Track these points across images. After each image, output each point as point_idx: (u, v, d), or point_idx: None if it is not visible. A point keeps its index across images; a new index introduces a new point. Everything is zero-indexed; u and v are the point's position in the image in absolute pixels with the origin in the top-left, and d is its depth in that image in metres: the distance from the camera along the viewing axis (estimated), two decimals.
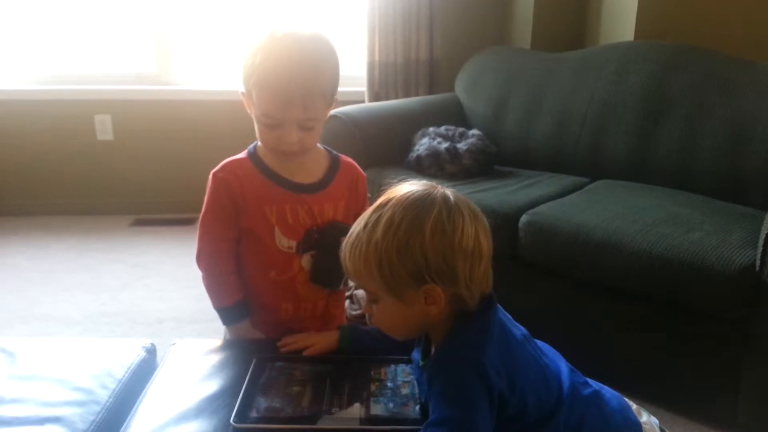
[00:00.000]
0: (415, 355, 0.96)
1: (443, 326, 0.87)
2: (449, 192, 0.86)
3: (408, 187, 0.86)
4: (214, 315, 1.23)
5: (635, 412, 0.95)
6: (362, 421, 0.91)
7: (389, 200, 0.85)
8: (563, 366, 0.92)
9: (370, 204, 0.89)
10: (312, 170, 1.19)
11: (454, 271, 0.82)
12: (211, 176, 1.17)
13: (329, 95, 1.12)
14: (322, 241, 1.16)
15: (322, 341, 1.09)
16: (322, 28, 1.12)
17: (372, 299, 0.89)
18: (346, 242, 0.87)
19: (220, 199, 1.15)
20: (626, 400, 0.96)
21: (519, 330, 0.91)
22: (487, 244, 0.85)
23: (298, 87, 1.05)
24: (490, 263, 0.87)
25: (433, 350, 0.92)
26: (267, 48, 1.07)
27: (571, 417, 0.86)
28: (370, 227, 0.84)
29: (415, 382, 0.99)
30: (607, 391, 0.95)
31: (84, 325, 2.16)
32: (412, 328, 0.90)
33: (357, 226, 0.86)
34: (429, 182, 0.88)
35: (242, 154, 1.19)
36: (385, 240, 0.82)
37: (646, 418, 0.94)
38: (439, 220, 0.81)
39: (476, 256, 0.83)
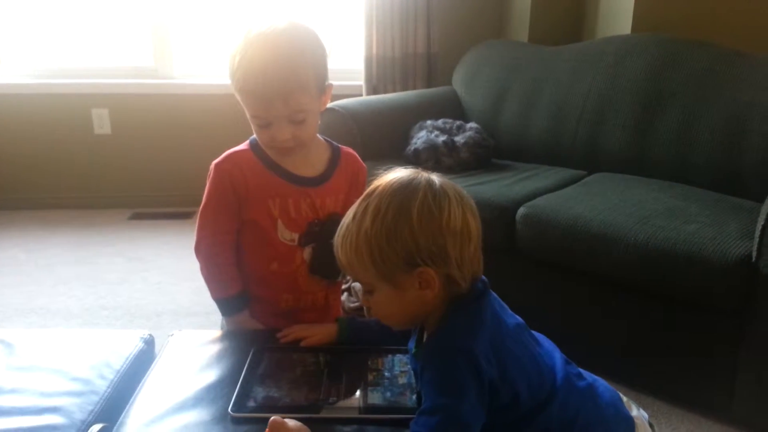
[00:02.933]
0: (411, 344, 0.97)
1: (437, 314, 0.88)
2: (434, 176, 0.87)
3: (393, 175, 0.87)
4: (212, 308, 1.23)
5: (626, 404, 0.95)
6: (360, 410, 0.92)
7: (375, 189, 0.86)
8: (558, 357, 0.93)
9: None
10: (314, 162, 1.19)
11: (444, 251, 0.82)
12: (213, 167, 1.16)
13: (313, 85, 1.09)
14: (323, 233, 1.16)
15: (320, 333, 1.10)
16: (298, 19, 1.11)
17: (368, 290, 0.89)
18: (338, 235, 0.88)
19: (223, 191, 1.15)
20: (618, 393, 0.96)
21: (513, 319, 0.91)
22: (475, 225, 0.86)
23: (273, 86, 1.04)
24: (480, 245, 0.88)
25: (425, 338, 0.92)
26: (241, 51, 1.06)
27: (565, 409, 0.87)
28: (359, 217, 0.85)
29: (412, 371, 0.99)
30: (601, 384, 0.95)
31: (82, 318, 2.17)
32: (410, 315, 0.90)
33: (346, 218, 0.87)
34: (414, 169, 0.89)
35: (244, 145, 1.19)
36: (373, 227, 0.82)
37: (636, 412, 0.95)
38: (425, 203, 0.82)
39: (465, 237, 0.84)
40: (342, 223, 0.88)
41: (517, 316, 0.93)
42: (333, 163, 1.21)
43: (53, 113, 3.12)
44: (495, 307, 0.89)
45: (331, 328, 1.10)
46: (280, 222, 1.15)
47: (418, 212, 0.82)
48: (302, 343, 1.09)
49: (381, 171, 0.89)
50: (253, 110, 1.09)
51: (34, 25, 3.17)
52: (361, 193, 1.22)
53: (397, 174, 0.87)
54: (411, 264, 0.83)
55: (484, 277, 0.91)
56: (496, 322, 0.87)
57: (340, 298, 1.34)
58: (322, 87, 1.12)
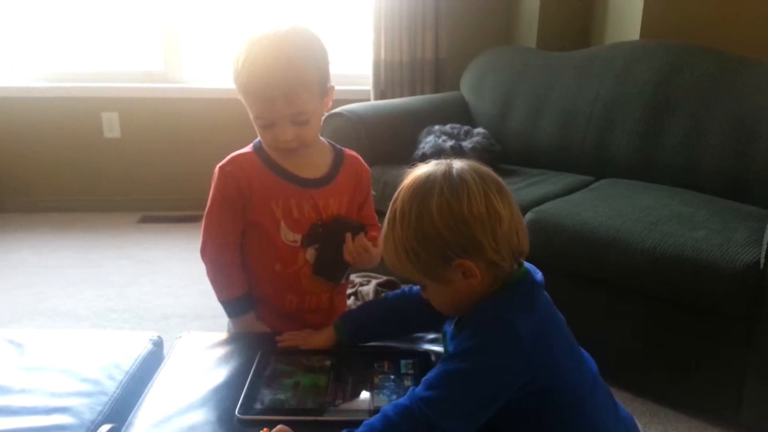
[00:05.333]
0: (447, 327, 0.97)
1: (490, 292, 0.88)
2: (455, 164, 0.87)
3: (413, 174, 0.88)
4: (219, 311, 1.23)
5: None
6: (366, 412, 0.92)
7: (399, 193, 0.87)
8: (594, 365, 0.94)
9: (374, 198, 0.90)
10: (317, 165, 1.20)
11: (474, 240, 0.82)
12: (217, 170, 1.18)
13: (315, 86, 1.11)
14: (326, 235, 1.17)
15: (318, 340, 1.10)
16: (302, 22, 1.13)
17: (421, 286, 0.92)
18: (381, 242, 0.90)
19: (227, 193, 1.16)
20: (636, 423, 0.98)
21: (561, 316, 0.92)
22: (502, 203, 0.84)
23: (277, 86, 1.06)
24: (518, 220, 0.86)
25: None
26: (245, 52, 1.08)
27: (593, 416, 0.88)
28: (391, 224, 0.87)
29: (419, 374, 1.00)
30: (621, 408, 0.97)
31: (91, 320, 2.18)
32: (464, 302, 0.89)
33: (384, 226, 0.89)
34: (437, 161, 0.88)
35: (248, 148, 1.20)
36: (403, 232, 0.84)
37: None
38: (443, 197, 0.82)
39: (493, 219, 0.83)
40: (382, 230, 0.90)
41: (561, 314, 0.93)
42: (336, 165, 1.22)
43: (63, 116, 3.14)
44: (548, 299, 0.90)
45: (329, 333, 1.10)
46: (282, 223, 1.16)
47: (438, 209, 0.82)
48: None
49: (405, 169, 0.90)
50: (257, 111, 1.11)
51: (45, 28, 3.20)
52: (365, 195, 1.25)
53: (417, 172, 0.87)
54: (446, 259, 0.84)
55: (540, 272, 0.91)
56: (550, 312, 0.89)
57: (345, 300, 1.34)
58: (324, 88, 1.14)
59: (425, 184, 0.84)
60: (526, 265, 0.92)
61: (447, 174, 0.85)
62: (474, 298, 0.88)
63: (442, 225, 0.82)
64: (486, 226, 0.82)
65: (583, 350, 0.94)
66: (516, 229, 0.85)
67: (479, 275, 0.84)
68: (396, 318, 1.10)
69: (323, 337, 1.10)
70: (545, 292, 0.90)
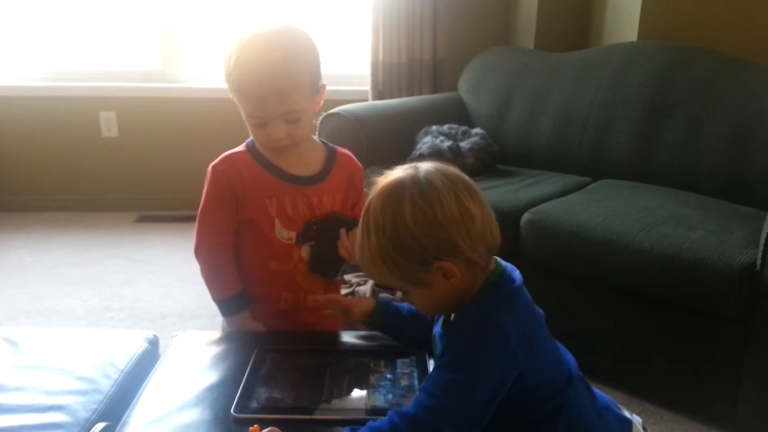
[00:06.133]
0: (437, 329, 0.97)
1: (475, 290, 0.89)
2: (421, 168, 0.87)
3: (382, 182, 0.87)
4: (215, 310, 1.23)
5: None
6: (362, 411, 0.92)
7: (370, 203, 0.87)
8: (570, 357, 0.96)
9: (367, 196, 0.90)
10: (310, 162, 1.21)
11: (451, 242, 0.83)
12: (210, 169, 1.18)
13: (307, 85, 1.11)
14: (321, 232, 1.18)
15: (360, 303, 1.11)
16: (292, 21, 1.13)
17: (402, 292, 0.92)
18: (357, 252, 0.90)
19: (220, 192, 1.16)
20: (613, 399, 0.99)
21: (539, 310, 0.93)
22: (473, 202, 0.85)
23: (269, 85, 1.06)
24: (489, 216, 0.87)
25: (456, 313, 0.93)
26: (237, 52, 1.09)
27: (572, 406, 0.89)
28: (365, 234, 0.86)
29: (415, 374, 1.00)
30: (598, 392, 0.98)
31: (87, 319, 2.18)
32: (448, 303, 0.90)
33: (359, 236, 0.89)
34: (404, 167, 0.88)
35: (241, 147, 1.21)
36: (379, 242, 0.84)
37: (628, 415, 0.98)
38: (415, 204, 0.82)
39: (467, 219, 0.83)
40: (357, 240, 0.89)
41: (540, 310, 0.94)
42: (329, 163, 1.22)
43: (61, 116, 3.14)
44: (528, 296, 0.91)
45: (369, 302, 1.11)
46: (277, 221, 1.17)
47: (411, 216, 0.82)
48: (344, 315, 1.11)
49: (375, 177, 0.89)
50: (249, 110, 1.11)
51: (43, 28, 3.20)
52: (358, 193, 1.25)
53: (384, 180, 0.87)
54: (425, 263, 0.84)
55: (517, 270, 0.92)
56: (530, 309, 0.90)
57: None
58: (315, 87, 1.14)
59: (395, 192, 0.84)
60: (504, 263, 0.92)
61: (415, 179, 0.85)
62: (457, 296, 0.88)
63: (418, 231, 0.82)
64: (460, 226, 0.83)
65: (558, 343, 0.95)
66: (489, 225, 0.86)
67: (459, 275, 0.85)
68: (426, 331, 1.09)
69: (364, 303, 1.11)
70: (525, 289, 0.91)
